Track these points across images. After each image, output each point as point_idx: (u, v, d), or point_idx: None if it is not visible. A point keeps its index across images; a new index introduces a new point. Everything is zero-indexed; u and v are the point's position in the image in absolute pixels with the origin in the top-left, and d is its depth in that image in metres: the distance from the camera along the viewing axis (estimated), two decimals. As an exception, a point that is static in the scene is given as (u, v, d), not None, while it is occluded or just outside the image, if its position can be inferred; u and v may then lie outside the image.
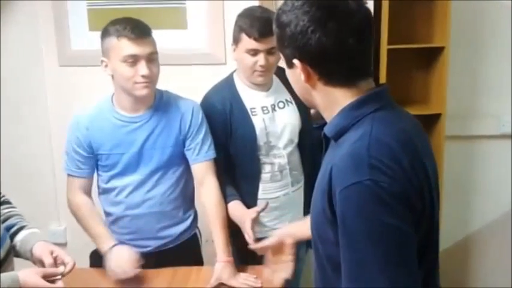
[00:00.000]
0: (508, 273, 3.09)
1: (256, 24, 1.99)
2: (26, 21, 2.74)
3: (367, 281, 1.03)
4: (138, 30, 1.91)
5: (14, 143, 2.82)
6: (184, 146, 2.06)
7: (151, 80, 1.94)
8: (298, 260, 1.87)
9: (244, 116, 2.11)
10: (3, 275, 1.47)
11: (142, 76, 1.90)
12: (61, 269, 1.57)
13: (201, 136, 2.05)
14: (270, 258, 1.75)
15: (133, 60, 1.90)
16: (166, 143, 2.03)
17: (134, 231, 2.10)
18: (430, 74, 2.90)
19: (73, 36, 2.70)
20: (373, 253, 1.03)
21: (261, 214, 2.02)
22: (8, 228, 1.68)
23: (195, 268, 2.07)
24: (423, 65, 2.93)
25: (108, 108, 2.04)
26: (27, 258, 1.67)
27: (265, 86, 2.15)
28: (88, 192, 2.11)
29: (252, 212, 2.00)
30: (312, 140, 2.18)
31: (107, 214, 2.14)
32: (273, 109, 2.15)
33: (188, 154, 2.06)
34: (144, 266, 2.02)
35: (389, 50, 2.66)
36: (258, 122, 2.12)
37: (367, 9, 1.16)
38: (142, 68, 1.90)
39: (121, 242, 2.10)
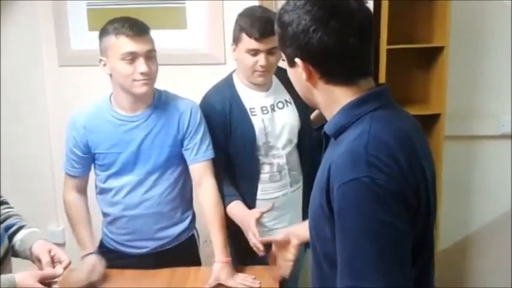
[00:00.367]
0: (508, 273, 3.09)
1: (257, 24, 1.98)
2: (26, 21, 2.74)
3: (360, 277, 1.05)
4: (136, 28, 1.91)
5: (14, 143, 2.82)
6: (182, 146, 2.05)
7: (150, 77, 1.93)
8: (297, 261, 1.87)
9: (244, 116, 2.10)
10: (2, 276, 1.47)
11: (141, 73, 1.90)
12: (58, 271, 1.57)
13: (199, 136, 2.04)
14: (274, 251, 1.80)
15: (132, 57, 1.90)
16: (164, 143, 2.03)
17: (132, 232, 2.09)
18: (430, 74, 2.90)
19: (73, 36, 2.71)
20: (367, 249, 1.04)
21: (260, 215, 2.03)
22: (7, 228, 1.68)
23: (193, 269, 2.07)
24: (423, 65, 2.92)
25: (106, 107, 2.04)
26: (26, 257, 1.66)
27: (264, 86, 2.14)
28: (82, 191, 2.11)
29: (256, 212, 2.00)
30: (311, 141, 2.18)
31: (105, 215, 2.14)
32: (272, 109, 2.15)
33: (186, 154, 2.05)
34: (142, 267, 2.03)
35: (389, 50, 2.65)
36: (258, 122, 2.11)
37: (368, 9, 1.18)
38: (141, 66, 1.90)
39: (119, 243, 2.10)
